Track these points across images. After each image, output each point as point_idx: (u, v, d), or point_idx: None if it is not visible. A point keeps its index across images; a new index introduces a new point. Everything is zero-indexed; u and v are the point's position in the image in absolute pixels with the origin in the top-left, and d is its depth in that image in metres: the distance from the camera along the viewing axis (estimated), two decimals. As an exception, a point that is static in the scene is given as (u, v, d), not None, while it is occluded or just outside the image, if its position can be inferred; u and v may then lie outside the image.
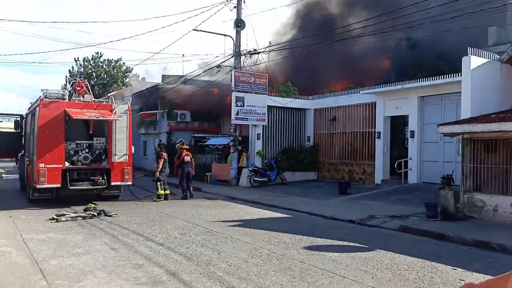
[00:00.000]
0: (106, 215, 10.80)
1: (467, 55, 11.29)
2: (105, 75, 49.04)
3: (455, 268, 6.50)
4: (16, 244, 7.81)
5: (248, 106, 18.66)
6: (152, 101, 28.28)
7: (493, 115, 10.51)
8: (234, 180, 19.10)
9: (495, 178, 10.46)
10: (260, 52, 19.40)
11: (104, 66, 50.27)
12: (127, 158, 13.05)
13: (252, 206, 13.16)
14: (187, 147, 15.88)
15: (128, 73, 51.10)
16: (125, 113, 13.21)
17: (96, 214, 10.73)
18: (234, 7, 19.53)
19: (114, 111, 13.09)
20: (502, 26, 21.97)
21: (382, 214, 11.06)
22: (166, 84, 27.58)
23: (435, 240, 8.61)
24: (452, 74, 13.86)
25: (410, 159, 16.08)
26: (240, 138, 19.73)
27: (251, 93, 18.88)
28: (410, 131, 16.28)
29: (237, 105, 18.42)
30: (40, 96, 13.06)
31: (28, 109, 16.94)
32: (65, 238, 8.33)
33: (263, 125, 19.40)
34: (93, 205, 11.39)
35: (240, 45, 19.62)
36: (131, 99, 15.21)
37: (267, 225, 9.90)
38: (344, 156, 19.46)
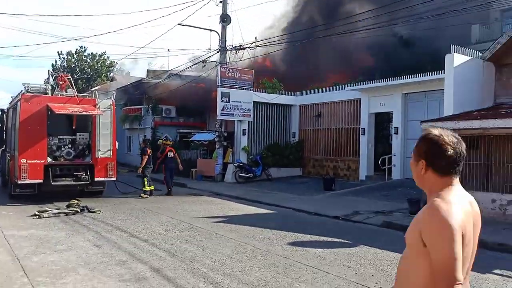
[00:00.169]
0: (89, 211, 10.68)
1: (450, 52, 11.44)
2: (89, 69, 48.35)
3: (436, 263, 6.60)
4: (-3, 241, 7.68)
5: (234, 101, 18.62)
6: (137, 96, 28.01)
7: (475, 113, 10.69)
8: (219, 176, 19.07)
9: (477, 174, 10.65)
10: (246, 47, 19.34)
11: (88, 60, 49.56)
12: (111, 154, 12.91)
13: (237, 202, 13.16)
14: (171, 143, 15.76)
15: (112, 68, 50.44)
16: (109, 108, 13.07)
17: (79, 210, 10.61)
18: (220, 1, 19.42)
19: (97, 106, 12.93)
20: (485, 24, 22.32)
21: (366, 210, 11.18)
22: (151, 79, 27.34)
23: (418, 236, 8.71)
24: (435, 72, 14.04)
25: (394, 155, 16.27)
26: (225, 134, 19.69)
27: (236, 88, 18.84)
28: (394, 127, 16.47)
29: (222, 101, 18.36)
30: (21, 90, 12.82)
31: (10, 103, 16.61)
32: (47, 234, 8.22)
33: (248, 121, 19.39)
34: (76, 201, 11.25)
35: (225, 41, 19.53)
36: (115, 94, 15.04)
37: (252, 221, 9.91)
38: (329, 152, 19.59)
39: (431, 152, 1.88)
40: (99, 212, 10.66)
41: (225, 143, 19.64)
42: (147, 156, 13.94)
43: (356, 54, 21.44)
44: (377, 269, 6.28)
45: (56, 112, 12.09)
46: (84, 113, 12.59)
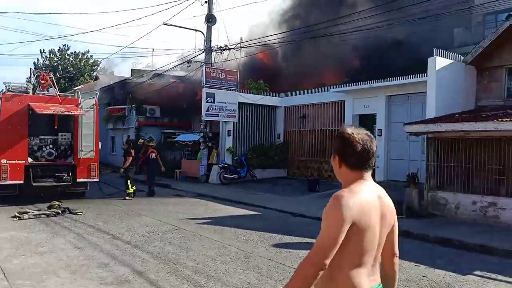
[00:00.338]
0: (71, 212, 10.52)
1: (433, 56, 11.60)
2: (72, 68, 47.66)
3: (418, 264, 6.69)
4: (-26, 243, 7.50)
5: (219, 102, 18.56)
6: (121, 96, 27.71)
7: (457, 115, 10.86)
8: (203, 177, 18.99)
9: (458, 176, 10.82)
10: (231, 48, 19.31)
11: (71, 59, 48.85)
12: (94, 154, 12.74)
13: (221, 203, 13.12)
14: (153, 144, 15.68)
15: (95, 67, 49.83)
16: (92, 108, 12.89)
17: (60, 212, 10.44)
18: (205, 2, 19.36)
19: (80, 106, 12.74)
20: (468, 28, 22.71)
21: (349, 211, 11.23)
22: (135, 79, 27.07)
23: (400, 237, 8.76)
24: (418, 74, 14.21)
25: (378, 157, 16.39)
26: (210, 135, 19.62)
27: (222, 89, 18.79)
28: (378, 129, 16.60)
29: (207, 101, 18.28)
30: (2, 89, 12.58)
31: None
32: (28, 236, 8.07)
33: (233, 122, 19.35)
34: (57, 203, 11.06)
35: (211, 41, 19.47)
36: (98, 94, 14.83)
37: (236, 222, 9.89)
38: (313, 154, 19.68)
39: (343, 149, 2.06)
40: (81, 213, 10.50)
41: (209, 144, 19.57)
42: (131, 157, 13.78)
43: (342, 55, 21.60)
44: (360, 270, 6.31)
45: (38, 111, 11.88)
46: (66, 113, 12.39)
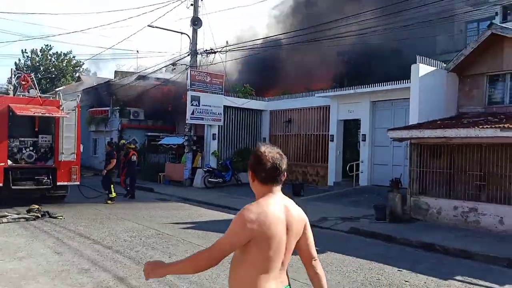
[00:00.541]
0: (50, 216, 10.30)
1: (416, 63, 11.75)
2: (54, 69, 46.94)
3: (401, 269, 6.73)
4: (-51, 248, 7.28)
5: (204, 105, 18.48)
6: (104, 98, 27.38)
7: (439, 122, 11.01)
8: (188, 180, 18.85)
9: (440, 182, 10.96)
10: (217, 51, 19.27)
11: (53, 60, 48.11)
12: (75, 157, 12.52)
13: (205, 208, 13.03)
14: (133, 146, 15.54)
15: (78, 67, 49.18)
16: (73, 110, 12.67)
17: (40, 216, 10.21)
18: (191, 4, 19.29)
19: (61, 108, 12.51)
20: (450, 35, 23.12)
21: (334, 216, 11.29)
22: (119, 80, 26.80)
23: (383, 242, 8.88)
24: (401, 81, 14.40)
25: (362, 162, 16.54)
26: (195, 138, 19.50)
27: (207, 92, 18.71)
28: (362, 134, 16.75)
29: (192, 104, 18.18)
30: (-19, 90, 12.28)
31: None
32: (7, 241, 7.87)
33: (218, 125, 19.28)
34: (37, 206, 10.82)
35: (196, 44, 19.40)
36: (80, 95, 14.60)
37: (220, 227, 9.80)
38: (298, 158, 19.73)
39: (256, 165, 2.29)
40: (61, 217, 10.29)
41: (194, 147, 19.44)
42: (115, 160, 13.60)
43: (329, 61, 21.77)
44: (344, 275, 6.32)
45: (18, 113, 11.63)
46: (47, 114, 12.16)
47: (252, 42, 19.64)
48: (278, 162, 2.28)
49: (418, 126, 10.90)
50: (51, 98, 13.41)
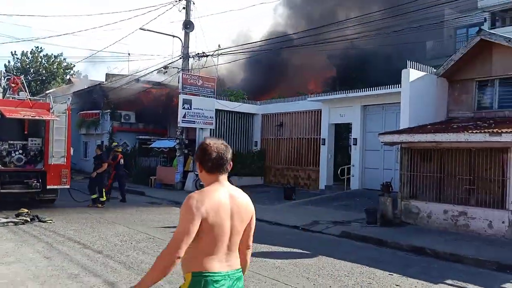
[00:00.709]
0: (40, 220, 10.18)
1: (406, 68, 11.86)
2: (44, 71, 46.55)
3: (391, 273, 6.76)
4: None
5: (196, 109, 18.44)
6: (95, 100, 27.20)
7: (429, 126, 11.10)
8: (179, 184, 18.78)
9: (430, 186, 11.05)
10: (209, 55, 19.26)
11: (43, 62, 47.72)
12: (65, 160, 12.41)
13: (197, 211, 12.95)
14: (120, 150, 15.52)
15: (69, 70, 48.83)
16: (64, 113, 12.56)
17: (29, 220, 10.08)
18: (183, 8, 19.28)
19: (52, 111, 12.40)
20: (439, 40, 23.40)
21: (325, 220, 11.31)
22: (110, 83, 26.65)
23: (374, 246, 8.92)
24: (392, 85, 14.51)
25: (353, 165, 16.62)
26: (186, 141, 19.44)
27: (199, 96, 18.68)
28: (353, 138, 16.84)
29: (184, 108, 18.13)
30: (-31, 92, 12.13)
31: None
32: (-6, 245, 7.76)
33: (210, 129, 19.25)
34: (26, 210, 10.68)
35: (188, 47, 19.38)
36: (71, 98, 14.49)
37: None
38: (290, 162, 19.76)
39: (202, 156, 2.47)
40: (50, 221, 10.18)
41: (186, 151, 19.38)
42: (106, 164, 13.52)
43: (321, 65, 21.90)
44: (335, 280, 6.33)
45: (7, 116, 11.50)
46: (37, 117, 12.03)
47: (246, 46, 19.61)
48: (223, 152, 2.46)
49: (409, 131, 10.99)
50: (41, 101, 13.30)
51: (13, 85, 13.17)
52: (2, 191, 11.59)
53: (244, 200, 2.53)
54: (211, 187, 2.43)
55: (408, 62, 11.89)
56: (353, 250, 8.51)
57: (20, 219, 10.05)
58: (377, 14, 14.99)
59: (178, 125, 18.71)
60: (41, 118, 12.12)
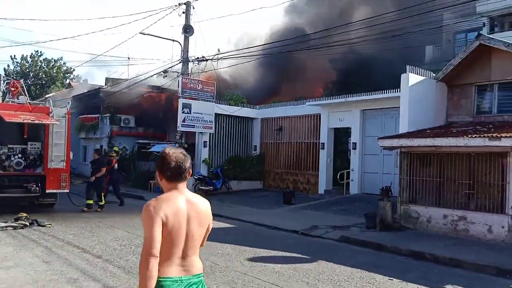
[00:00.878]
0: (39, 225, 10.16)
1: (405, 72, 11.89)
2: (44, 75, 46.59)
3: (391, 278, 6.75)
4: None
5: (195, 113, 18.45)
6: (94, 105, 27.21)
7: (428, 131, 11.11)
8: (178, 188, 18.72)
9: (429, 190, 11.04)
10: (209, 59, 19.30)
11: (43, 66, 47.76)
12: (65, 164, 12.40)
13: (196, 216, 12.92)
14: (114, 154, 15.57)
15: (69, 74, 48.87)
16: (63, 117, 12.56)
17: (28, 224, 10.06)
18: (183, 12, 19.33)
19: (51, 115, 12.40)
20: (438, 45, 23.48)
21: (324, 224, 11.30)
22: (109, 87, 26.66)
23: (374, 251, 8.91)
24: (391, 90, 14.53)
25: (352, 170, 16.61)
26: (186, 146, 19.41)
27: (198, 100, 18.70)
28: (353, 143, 16.84)
29: (183, 112, 18.14)
30: (-31, 96, 12.13)
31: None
32: (-8, 250, 7.74)
33: (210, 133, 19.26)
34: (25, 214, 10.66)
35: (188, 51, 19.42)
36: (70, 102, 14.48)
37: (211, 235, 9.68)
38: (289, 166, 19.75)
39: (161, 165, 2.58)
40: (49, 226, 10.16)
41: (185, 155, 19.35)
42: (105, 168, 13.52)
43: (321, 69, 21.96)
44: (335, 285, 6.32)
45: (7, 120, 11.49)
46: (36, 121, 12.02)
47: (247, 49, 19.63)
48: (182, 162, 2.57)
49: (408, 135, 11.00)
50: (41, 105, 13.30)
51: (12, 89, 13.18)
52: (1, 195, 11.57)
53: (202, 206, 2.64)
54: (169, 194, 2.55)
55: (407, 67, 11.93)
56: (352, 254, 8.49)
57: (19, 224, 10.03)
58: (381, 18, 14.96)
59: (178, 129, 18.70)
60: (40, 122, 12.11)
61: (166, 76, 20.26)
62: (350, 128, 17.24)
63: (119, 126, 25.90)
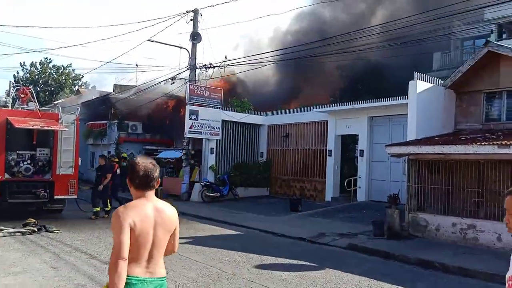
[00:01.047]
0: (47, 230, 10.21)
1: (413, 79, 11.85)
2: (53, 82, 47.03)
3: (400, 287, 6.68)
4: None
5: (202, 119, 18.50)
6: (103, 111, 27.42)
7: (437, 138, 11.04)
8: (185, 194, 18.77)
9: (438, 198, 10.95)
10: (216, 66, 19.38)
11: (52, 73, 48.23)
12: (73, 170, 12.48)
13: (203, 222, 12.95)
14: (117, 160, 15.64)
15: (77, 81, 49.30)
16: (72, 123, 12.67)
17: (36, 230, 10.12)
18: (191, 19, 19.44)
19: (60, 121, 12.51)
20: (446, 52, 23.39)
21: (331, 232, 11.23)
22: (117, 94, 26.87)
23: (381, 259, 8.83)
24: (399, 97, 14.48)
25: (359, 177, 16.54)
26: (193, 152, 19.47)
27: (205, 106, 18.76)
28: (360, 150, 16.78)
29: (191, 118, 18.20)
30: (-20, 103, 12.27)
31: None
32: (2, 255, 7.79)
33: (216, 140, 19.29)
34: (33, 220, 10.73)
35: (195, 58, 19.51)
36: (79, 109, 14.59)
37: (218, 242, 9.75)
38: (296, 173, 19.70)
39: (131, 174, 2.73)
40: (57, 231, 10.21)
41: (192, 161, 19.40)
42: (111, 174, 13.56)
43: (329, 76, 21.98)
44: (343, 293, 6.27)
45: (16, 126, 11.61)
46: (45, 128, 12.13)
47: (253, 56, 19.70)
48: (150, 171, 2.72)
49: (416, 142, 10.94)
50: (50, 111, 13.41)
51: (22, 95, 13.31)
52: (10, 201, 11.66)
53: (168, 213, 2.79)
54: (136, 201, 2.71)
55: (415, 74, 11.89)
56: (360, 262, 8.43)
57: (27, 229, 10.09)
58: (393, 24, 14.91)
59: (185, 136, 18.75)
60: (49, 128, 12.21)
61: (174, 83, 20.34)
62: (358, 135, 17.19)
63: (126, 132, 26.06)
